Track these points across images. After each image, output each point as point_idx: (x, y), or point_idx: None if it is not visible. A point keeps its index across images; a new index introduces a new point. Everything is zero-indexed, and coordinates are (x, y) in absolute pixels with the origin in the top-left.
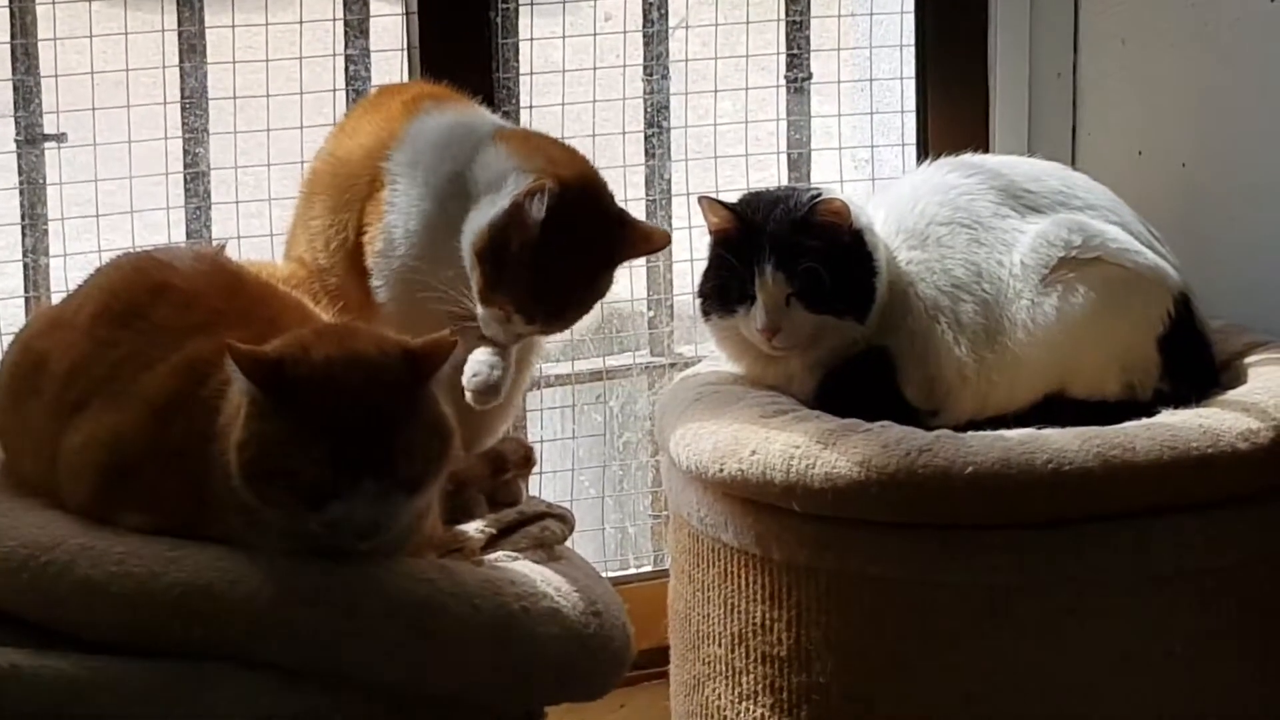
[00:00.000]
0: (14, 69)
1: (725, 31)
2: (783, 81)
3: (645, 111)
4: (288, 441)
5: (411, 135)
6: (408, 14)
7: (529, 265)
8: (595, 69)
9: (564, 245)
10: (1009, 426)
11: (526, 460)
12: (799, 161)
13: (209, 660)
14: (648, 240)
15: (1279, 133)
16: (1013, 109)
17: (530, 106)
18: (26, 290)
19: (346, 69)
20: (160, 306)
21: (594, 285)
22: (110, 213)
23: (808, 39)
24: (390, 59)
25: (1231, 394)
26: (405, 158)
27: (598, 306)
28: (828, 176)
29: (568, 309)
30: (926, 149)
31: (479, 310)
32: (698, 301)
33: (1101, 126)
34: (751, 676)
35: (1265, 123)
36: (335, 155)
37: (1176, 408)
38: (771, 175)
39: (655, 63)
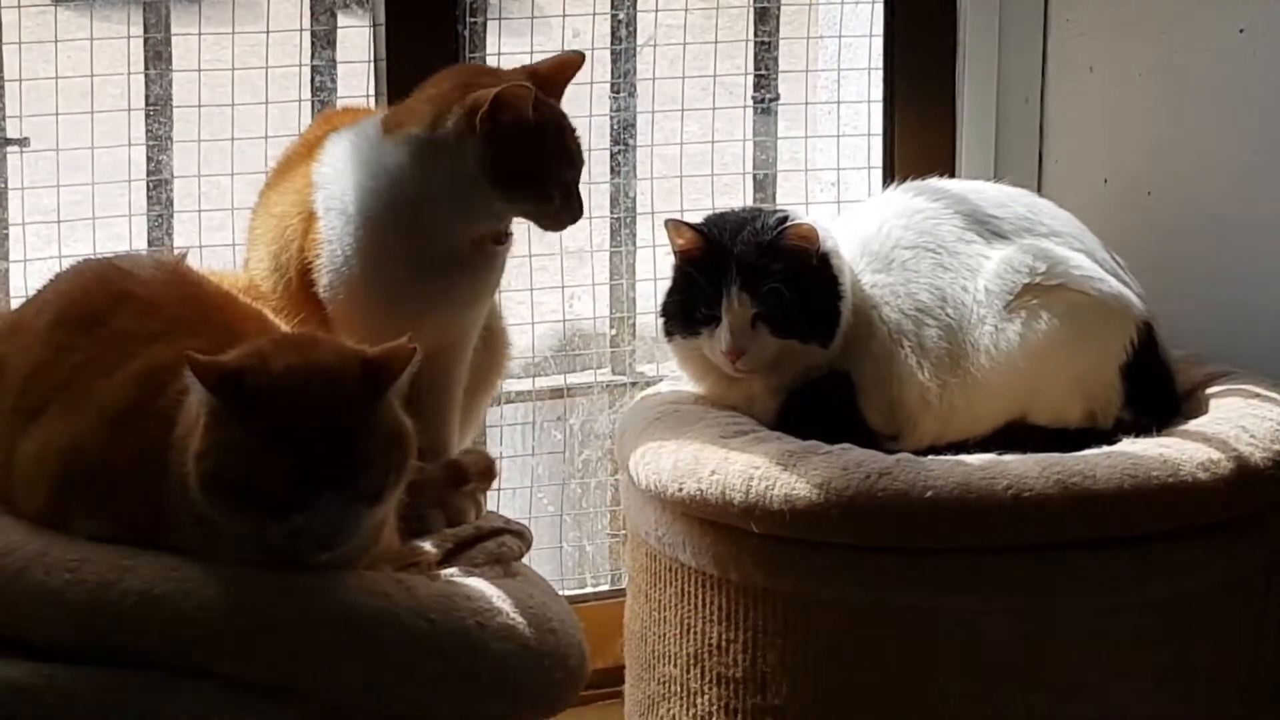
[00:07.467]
0: None
1: (693, 51)
2: (750, 102)
3: (611, 129)
4: (248, 452)
5: (323, 171)
6: (375, 26)
7: (548, 138)
8: None
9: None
10: (970, 452)
11: (488, 472)
12: (765, 183)
13: (161, 670)
14: (562, 62)
15: (1244, 163)
16: (980, 134)
17: None
18: None
19: (313, 80)
20: (120, 314)
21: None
22: (72, 219)
23: (776, 61)
24: (357, 70)
25: (1193, 424)
26: (322, 193)
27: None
28: (793, 198)
29: (577, 149)
30: (893, 173)
31: (552, 211)
32: (660, 321)
33: (1068, 153)
34: (706, 698)
35: (1230, 153)
36: (272, 195)
37: (1138, 436)
38: (737, 196)
39: (622, 80)
